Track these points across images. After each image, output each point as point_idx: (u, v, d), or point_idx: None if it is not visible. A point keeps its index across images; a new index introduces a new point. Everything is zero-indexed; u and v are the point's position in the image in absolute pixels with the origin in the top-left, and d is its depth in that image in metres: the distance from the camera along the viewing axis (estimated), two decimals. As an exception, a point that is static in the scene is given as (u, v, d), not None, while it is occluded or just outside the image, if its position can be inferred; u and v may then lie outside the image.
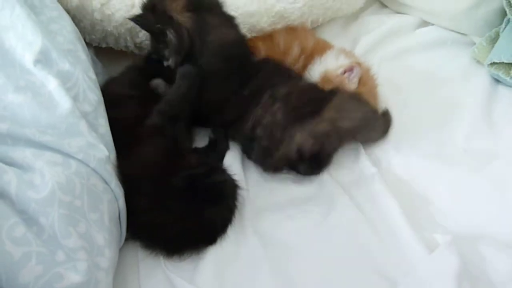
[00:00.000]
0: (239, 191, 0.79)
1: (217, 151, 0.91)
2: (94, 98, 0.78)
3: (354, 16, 1.32)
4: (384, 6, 1.38)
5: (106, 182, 0.71)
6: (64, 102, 0.72)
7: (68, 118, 0.71)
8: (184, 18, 0.86)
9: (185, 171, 0.76)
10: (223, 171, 0.82)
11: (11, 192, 0.59)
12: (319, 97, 0.87)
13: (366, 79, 0.96)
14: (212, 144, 0.93)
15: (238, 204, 0.79)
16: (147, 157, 0.78)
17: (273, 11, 1.02)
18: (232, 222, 0.77)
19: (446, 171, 0.92)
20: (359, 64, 0.94)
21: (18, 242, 0.55)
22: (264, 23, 1.04)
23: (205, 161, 0.84)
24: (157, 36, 0.88)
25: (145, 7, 0.88)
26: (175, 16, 0.85)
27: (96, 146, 0.72)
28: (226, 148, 0.92)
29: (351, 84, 0.93)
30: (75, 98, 0.75)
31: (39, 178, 0.62)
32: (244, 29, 1.02)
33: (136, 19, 0.87)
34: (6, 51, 0.75)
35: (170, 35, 0.85)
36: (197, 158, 0.83)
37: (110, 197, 0.71)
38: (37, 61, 0.74)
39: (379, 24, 1.28)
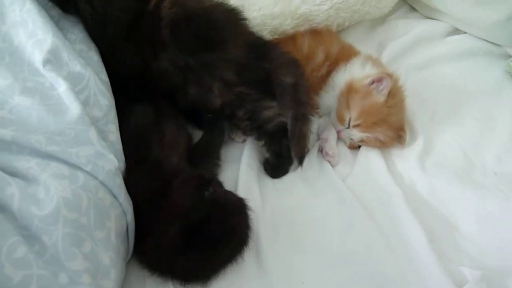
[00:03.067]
0: (246, 214, 0.72)
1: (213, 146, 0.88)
2: (105, 102, 0.74)
3: (381, 19, 1.25)
4: (413, 9, 1.31)
5: (114, 196, 0.66)
6: (73, 107, 0.67)
7: (77, 124, 0.67)
8: None
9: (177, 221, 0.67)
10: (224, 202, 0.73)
11: (14, 207, 0.55)
12: None
13: (395, 91, 0.90)
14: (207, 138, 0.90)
15: (249, 229, 0.72)
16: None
17: (297, 13, 0.97)
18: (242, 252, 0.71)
19: (474, 195, 0.86)
20: (389, 75, 0.87)
21: (18, 264, 0.51)
22: (287, 26, 0.98)
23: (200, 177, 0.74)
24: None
25: None
26: None
27: (106, 156, 0.67)
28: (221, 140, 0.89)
29: (380, 95, 0.87)
30: (85, 102, 0.71)
31: (43, 192, 0.58)
32: (266, 31, 0.97)
33: None
34: (15, 48, 0.71)
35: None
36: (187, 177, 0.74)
37: (118, 211, 0.67)
38: (46, 61, 0.69)
39: (407, 29, 1.21)
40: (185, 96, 0.84)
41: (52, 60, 0.70)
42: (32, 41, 0.70)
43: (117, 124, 0.75)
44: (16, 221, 0.55)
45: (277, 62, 0.86)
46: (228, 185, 0.83)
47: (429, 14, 1.26)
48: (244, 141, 0.93)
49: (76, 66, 0.71)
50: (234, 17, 0.85)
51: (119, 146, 0.74)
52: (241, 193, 0.82)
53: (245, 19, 0.86)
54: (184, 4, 0.80)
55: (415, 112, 1.00)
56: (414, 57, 1.15)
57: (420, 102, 1.02)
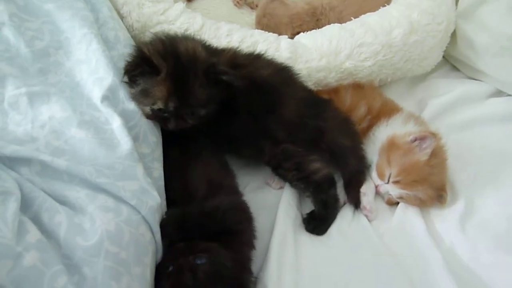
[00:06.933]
0: None
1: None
2: (153, 140, 0.76)
3: (422, 76, 1.25)
4: (455, 69, 1.31)
5: (152, 232, 0.67)
6: (124, 143, 0.70)
7: (126, 159, 0.69)
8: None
9: None
10: None
11: (60, 235, 0.57)
12: None
13: (437, 150, 0.89)
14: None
15: None
16: None
17: (342, 67, 0.99)
18: None
19: (518, 264, 0.82)
20: (433, 134, 0.87)
21: (58, 294, 0.52)
22: (331, 79, 1.01)
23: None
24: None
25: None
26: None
27: (149, 193, 0.69)
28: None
29: (423, 154, 0.86)
30: (135, 138, 0.73)
31: (89, 223, 0.59)
32: (310, 82, 0.99)
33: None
34: (77, 84, 0.75)
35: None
36: None
37: (154, 248, 0.67)
38: (104, 98, 0.73)
39: (449, 88, 1.20)
40: (239, 154, 0.91)
41: (110, 96, 0.74)
42: (93, 78, 0.75)
43: (162, 162, 0.77)
44: (60, 249, 0.56)
45: (332, 123, 0.90)
46: (263, 233, 0.82)
47: (472, 74, 1.25)
48: (281, 187, 0.93)
49: (130, 104, 0.75)
50: (286, 74, 0.89)
51: (161, 182, 0.75)
52: (275, 242, 0.81)
53: (296, 74, 0.90)
54: (248, 72, 0.83)
55: (456, 173, 0.98)
56: (456, 117, 1.13)
57: (462, 163, 1.00)
